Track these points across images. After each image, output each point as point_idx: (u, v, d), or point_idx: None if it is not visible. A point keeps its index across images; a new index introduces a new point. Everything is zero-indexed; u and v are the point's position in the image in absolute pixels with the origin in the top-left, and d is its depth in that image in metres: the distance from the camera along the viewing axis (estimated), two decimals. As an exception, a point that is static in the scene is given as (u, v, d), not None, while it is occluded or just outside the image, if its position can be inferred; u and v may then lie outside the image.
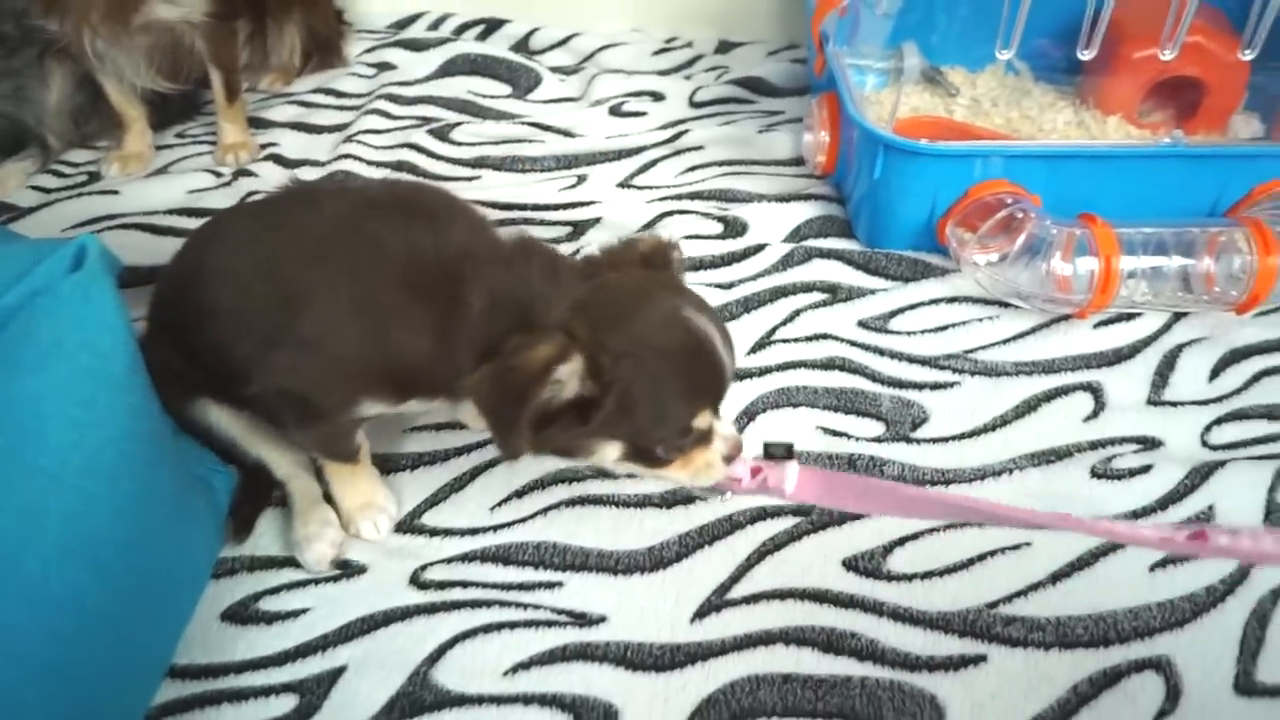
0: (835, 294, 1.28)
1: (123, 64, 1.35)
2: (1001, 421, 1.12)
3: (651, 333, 0.73)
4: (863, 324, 1.24)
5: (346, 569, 0.94)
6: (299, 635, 0.88)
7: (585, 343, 0.71)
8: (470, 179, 1.47)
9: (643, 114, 1.61)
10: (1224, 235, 1.19)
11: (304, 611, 0.90)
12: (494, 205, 1.39)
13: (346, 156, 1.48)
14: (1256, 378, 1.18)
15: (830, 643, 0.89)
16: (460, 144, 1.53)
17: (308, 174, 1.46)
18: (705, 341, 0.74)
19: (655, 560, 0.96)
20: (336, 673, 0.85)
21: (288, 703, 0.83)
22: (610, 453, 0.78)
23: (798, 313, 1.25)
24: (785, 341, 1.21)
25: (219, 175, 1.47)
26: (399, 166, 1.47)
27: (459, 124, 1.56)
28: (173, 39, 1.38)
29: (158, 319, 0.97)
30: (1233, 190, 1.25)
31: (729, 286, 1.28)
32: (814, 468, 0.94)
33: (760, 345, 1.20)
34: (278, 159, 1.50)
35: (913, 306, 1.25)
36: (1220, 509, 1.01)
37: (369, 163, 1.47)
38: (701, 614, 0.91)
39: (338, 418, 0.87)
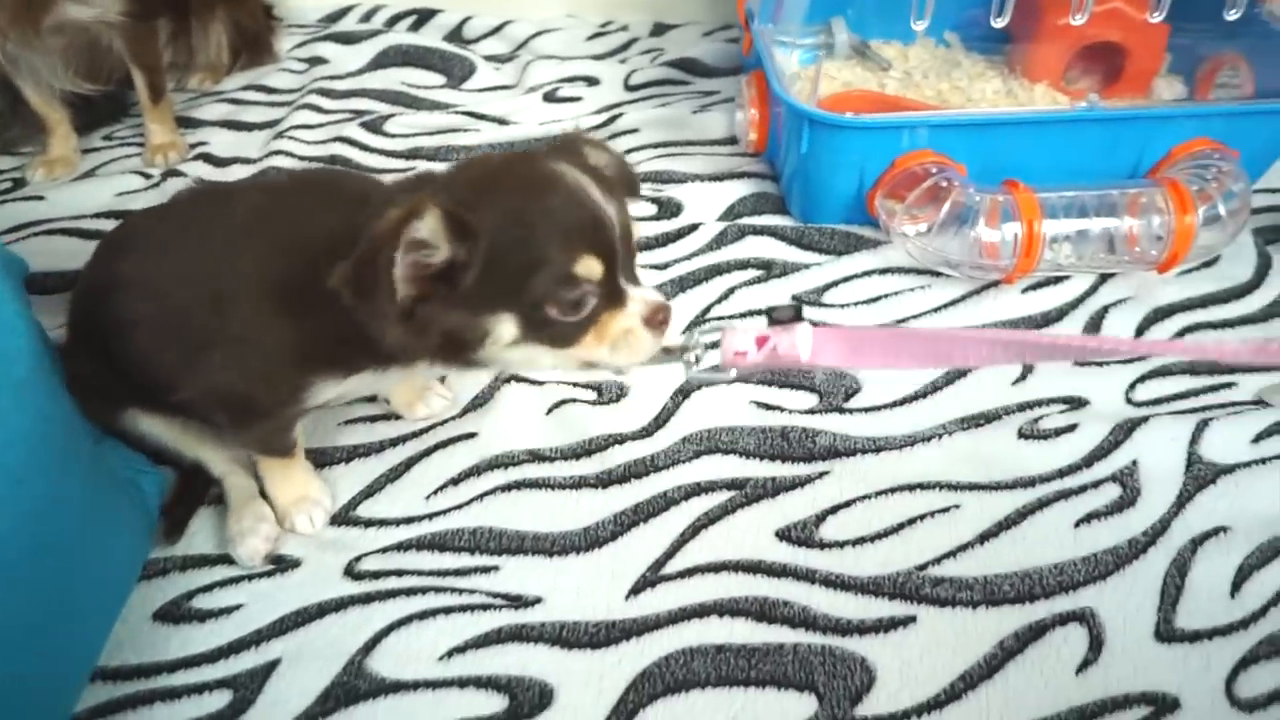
0: (770, 270, 1.29)
1: (38, 66, 1.33)
2: (933, 388, 1.13)
3: (514, 184, 0.71)
4: (797, 298, 1.25)
5: (280, 564, 0.94)
6: (232, 632, 0.87)
7: (443, 201, 0.67)
8: (404, 170, 1.46)
9: (578, 99, 1.61)
10: (1144, 196, 1.21)
11: (237, 608, 0.89)
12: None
13: (278, 153, 1.47)
14: (1179, 334, 1.20)
15: (763, 612, 0.90)
16: (394, 136, 1.52)
17: (239, 172, 1.45)
18: (576, 187, 0.70)
19: (591, 540, 0.97)
20: (270, 666, 0.85)
21: (221, 698, 0.83)
22: (505, 331, 0.72)
23: (732, 290, 1.26)
24: (721, 319, 1.22)
25: (148, 177, 1.45)
26: (332, 160, 1.46)
27: (392, 115, 1.55)
28: (89, 39, 1.35)
29: (76, 331, 0.96)
30: (1152, 152, 1.27)
31: (664, 267, 1.28)
32: (830, 325, 0.84)
33: (696, 324, 1.21)
34: (208, 158, 1.48)
35: (846, 279, 1.26)
36: (1143, 464, 1.03)
37: (301, 158, 1.46)
38: (637, 590, 0.92)
39: (286, 410, 0.86)
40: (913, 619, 0.89)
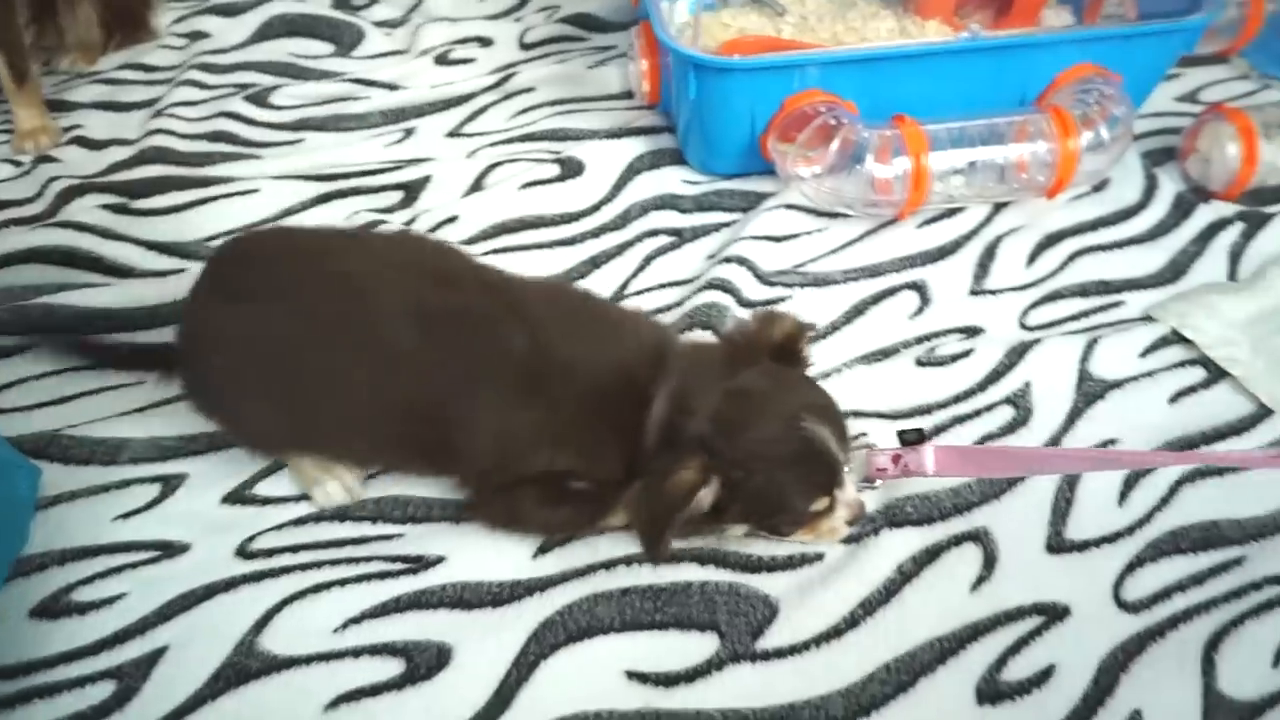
0: (681, 235, 1.27)
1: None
2: (832, 328, 1.14)
3: (771, 445, 0.81)
4: (711, 256, 1.24)
5: (167, 549, 0.91)
6: (115, 622, 0.85)
7: (720, 464, 0.80)
8: (292, 143, 1.41)
9: (471, 60, 1.57)
10: (1030, 124, 1.22)
11: (120, 597, 0.86)
12: (320, 176, 1.34)
13: (158, 132, 1.41)
14: (1071, 259, 1.22)
15: (674, 554, 0.89)
16: (280, 108, 1.47)
17: (116, 153, 1.38)
18: (819, 446, 0.82)
19: (498, 503, 0.95)
20: (157, 654, 0.82)
21: (104, 690, 0.80)
22: (737, 531, 0.88)
23: (649, 259, 1.24)
24: (639, 292, 1.20)
25: (18, 164, 1.38)
26: (215, 137, 1.41)
27: (278, 87, 1.50)
28: (-64, 22, 1.28)
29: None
30: (1037, 79, 1.28)
31: (573, 242, 1.26)
32: (948, 445, 0.98)
33: (615, 299, 1.19)
34: (82, 141, 1.42)
35: (754, 237, 1.24)
36: (1036, 384, 1.04)
37: (182, 135, 1.41)
38: (545, 549, 0.91)
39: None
40: (820, 556, 0.90)
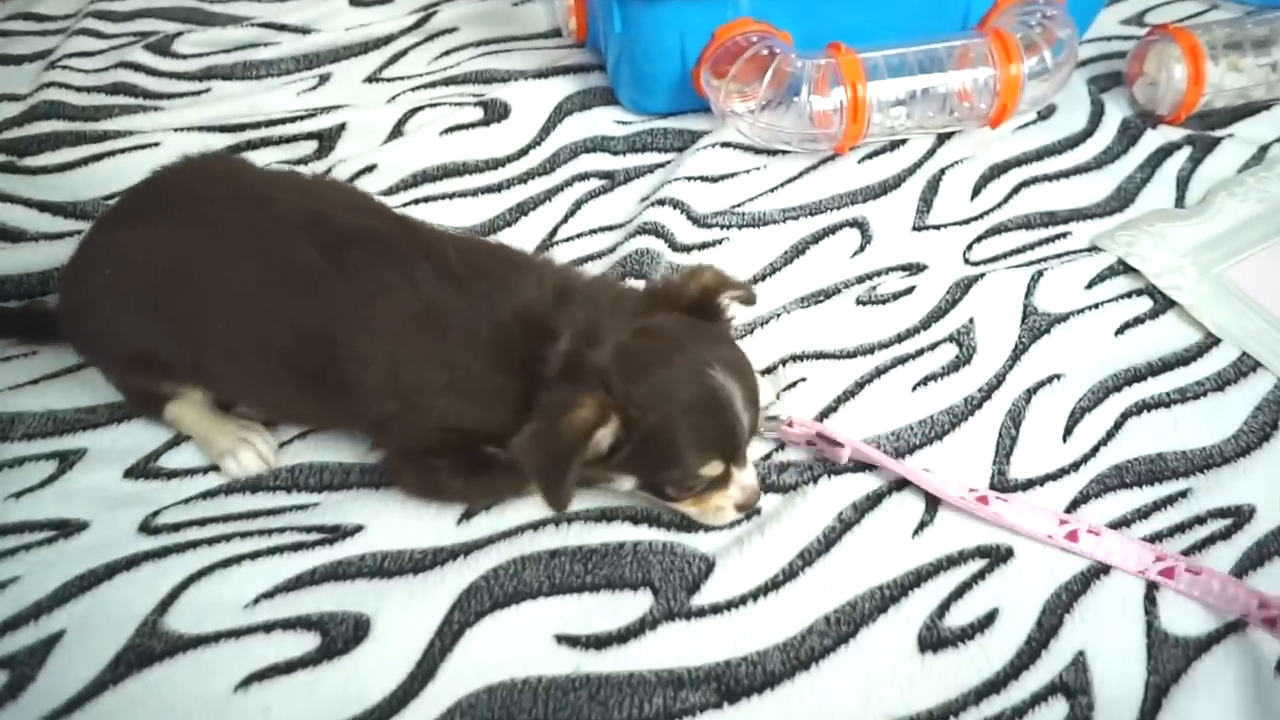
0: (613, 179, 1.21)
1: None
2: (771, 270, 1.09)
3: (675, 388, 0.77)
4: (644, 199, 1.18)
5: (63, 528, 0.85)
6: (7, 608, 0.79)
7: (619, 399, 0.75)
8: (198, 93, 1.33)
9: (388, 0, 1.48)
10: (971, 50, 1.17)
11: (12, 581, 0.81)
12: (227, 127, 1.25)
13: (52, 85, 1.31)
14: (1016, 190, 1.18)
15: (604, 513, 0.85)
16: (184, 56, 1.38)
17: (6, 109, 1.29)
18: (723, 400, 0.77)
19: (424, 467, 0.90)
20: (52, 639, 0.77)
21: (-4, 680, 0.75)
22: (625, 484, 0.82)
23: (579, 204, 1.18)
24: (569, 239, 1.14)
25: (-102, 125, 1.29)
26: (114, 89, 1.32)
27: (181, 34, 1.40)
28: None
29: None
30: (979, 3, 1.23)
31: (500, 189, 1.20)
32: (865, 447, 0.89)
33: (544, 246, 1.13)
34: (-31, 97, 1.32)
35: (689, 178, 1.18)
36: (980, 321, 1.01)
37: (78, 88, 1.31)
38: (470, 514, 0.86)
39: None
40: (757, 511, 0.86)
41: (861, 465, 0.88)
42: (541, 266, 0.87)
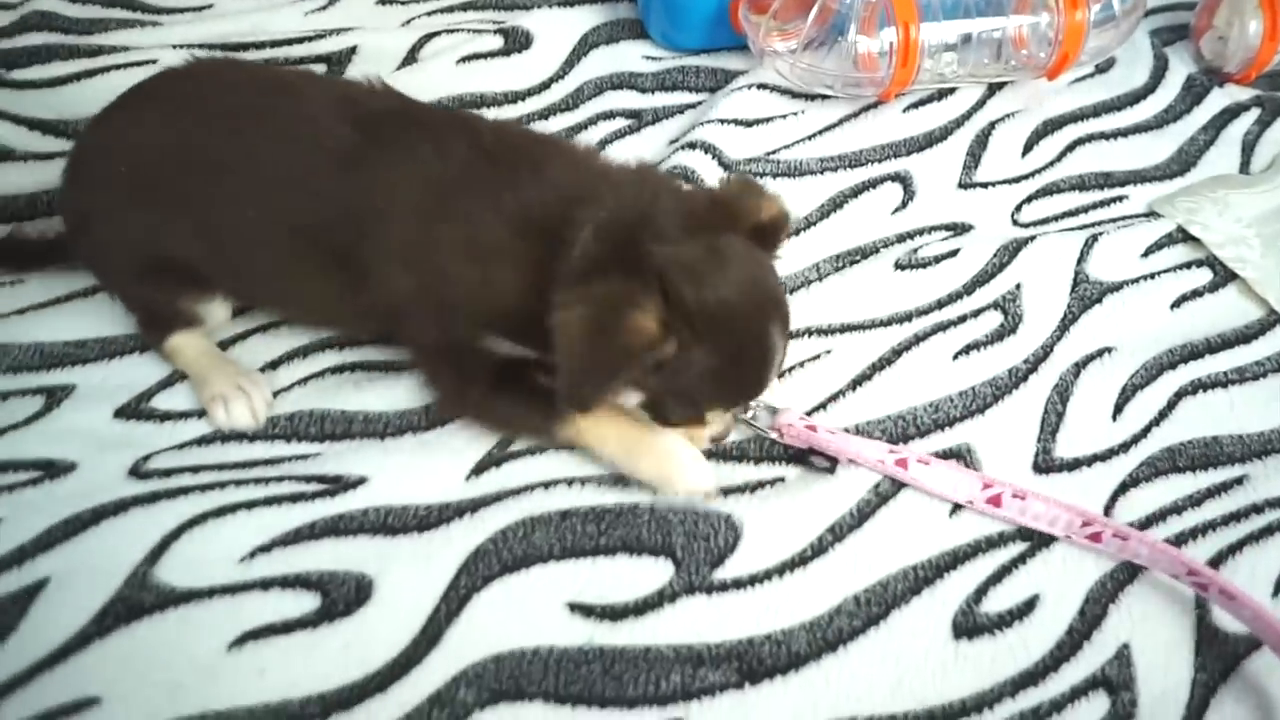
0: (640, 119, 1.14)
1: None
2: (806, 224, 1.03)
3: (736, 329, 0.71)
4: (673, 142, 1.11)
5: (49, 469, 0.80)
6: (-12, 552, 0.75)
7: (678, 313, 0.68)
8: (198, 9, 1.25)
9: (405, -82, 1.39)
10: (1032, -7, 1.09)
11: (-6, 524, 0.76)
12: (229, 45, 1.18)
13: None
14: (1070, 148, 1.11)
15: (619, 476, 0.80)
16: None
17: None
18: (768, 358, 0.73)
19: (434, 417, 0.85)
20: (35, 588, 0.72)
21: (-27, 629, 0.71)
22: (630, 400, 0.77)
23: (604, 144, 1.11)
24: None
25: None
26: (111, 1, 1.23)
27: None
28: None
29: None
30: (1042, -57, 1.14)
31: (519, 125, 1.12)
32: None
33: None
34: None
35: (722, 121, 1.10)
36: (1027, 287, 0.95)
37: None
38: (480, 469, 0.81)
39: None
40: (781, 479, 0.81)
41: (896, 437, 0.83)
42: (580, 151, 0.83)
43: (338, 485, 0.80)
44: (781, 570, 0.75)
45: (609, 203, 0.73)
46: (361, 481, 0.80)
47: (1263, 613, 0.69)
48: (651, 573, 0.75)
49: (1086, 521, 0.75)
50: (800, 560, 0.76)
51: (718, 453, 0.82)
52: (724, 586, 0.74)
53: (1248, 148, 1.11)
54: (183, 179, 0.81)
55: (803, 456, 0.83)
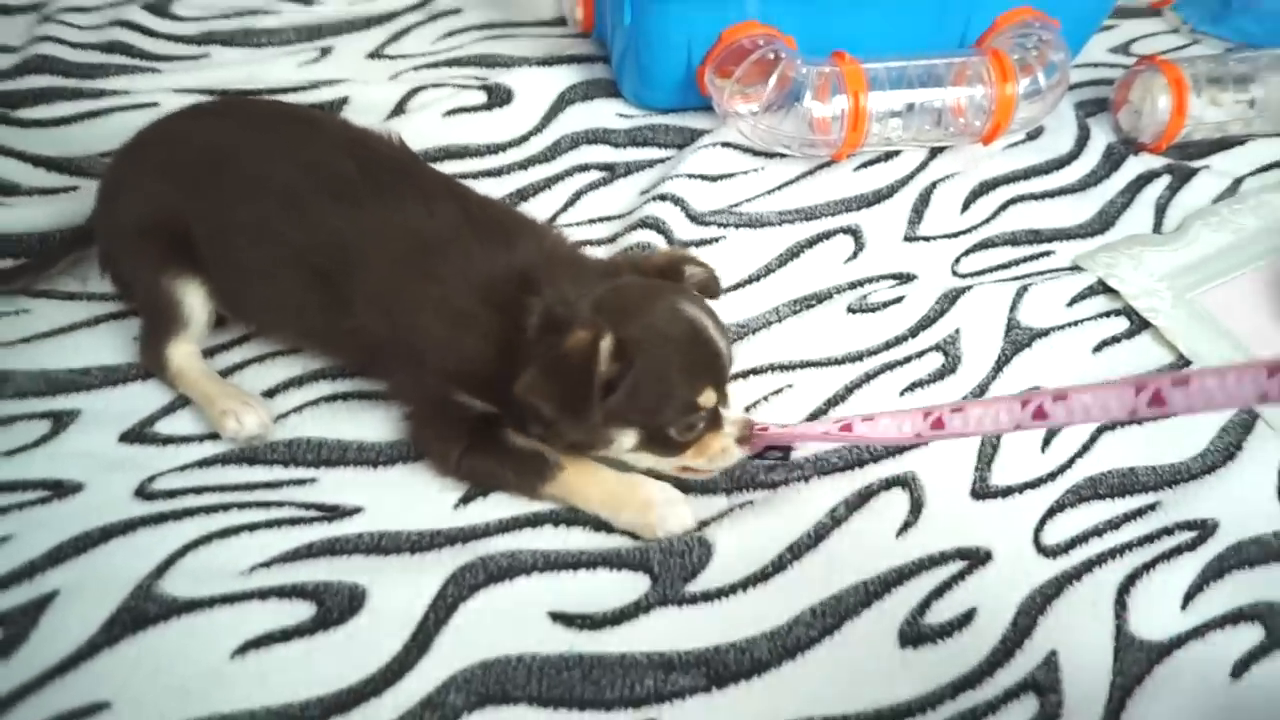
0: (613, 171, 1.23)
1: None
2: (766, 271, 1.12)
3: (657, 321, 0.80)
4: (644, 193, 1.19)
5: (58, 489, 0.85)
6: (0, 565, 0.78)
7: (611, 327, 0.78)
8: (196, 57, 1.31)
9: (393, -23, 1.48)
10: (969, 67, 1.21)
11: (6, 539, 0.80)
12: (227, 91, 1.24)
13: (45, 39, 1.29)
14: (1003, 207, 1.22)
15: (600, 521, 0.86)
16: (183, 19, 1.36)
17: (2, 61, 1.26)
18: (702, 330, 0.81)
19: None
20: (46, 599, 0.77)
21: (-12, 637, 0.74)
22: (626, 441, 0.83)
23: (579, 195, 1.19)
24: (568, 227, 1.14)
25: (-115, 69, 1.25)
26: (110, 47, 1.30)
27: (180, -4, 1.39)
28: None
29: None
30: (978, 21, 1.26)
31: (499, 174, 1.20)
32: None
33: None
34: (-41, 47, 1.29)
35: (688, 175, 1.20)
36: (965, 331, 1.04)
37: (73, 44, 1.29)
38: (467, 499, 0.87)
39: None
40: (750, 503, 0.88)
41: (851, 464, 0.91)
42: (545, 233, 0.92)
43: (335, 513, 0.85)
44: (746, 585, 0.82)
45: (549, 284, 0.82)
46: (357, 510, 0.86)
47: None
48: (629, 585, 0.82)
49: (1025, 401, 0.70)
50: (763, 576, 0.83)
51: (695, 487, 0.89)
52: (693, 599, 0.81)
53: (1160, 210, 1.23)
54: (206, 167, 0.90)
55: (770, 482, 0.90)
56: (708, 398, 0.82)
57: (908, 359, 1.02)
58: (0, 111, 1.18)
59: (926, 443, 0.84)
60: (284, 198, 0.88)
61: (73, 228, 1.02)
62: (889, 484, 0.90)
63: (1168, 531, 0.89)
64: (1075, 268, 1.14)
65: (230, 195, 0.89)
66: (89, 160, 1.13)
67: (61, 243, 1.01)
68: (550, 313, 0.80)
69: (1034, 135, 1.32)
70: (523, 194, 1.18)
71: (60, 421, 0.90)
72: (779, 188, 1.21)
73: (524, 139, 1.25)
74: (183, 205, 0.90)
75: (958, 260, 1.15)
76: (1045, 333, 1.05)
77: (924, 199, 1.21)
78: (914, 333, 1.04)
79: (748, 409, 0.96)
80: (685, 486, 0.87)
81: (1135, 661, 0.80)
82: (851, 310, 1.06)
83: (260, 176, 0.89)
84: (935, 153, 1.27)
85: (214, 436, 0.90)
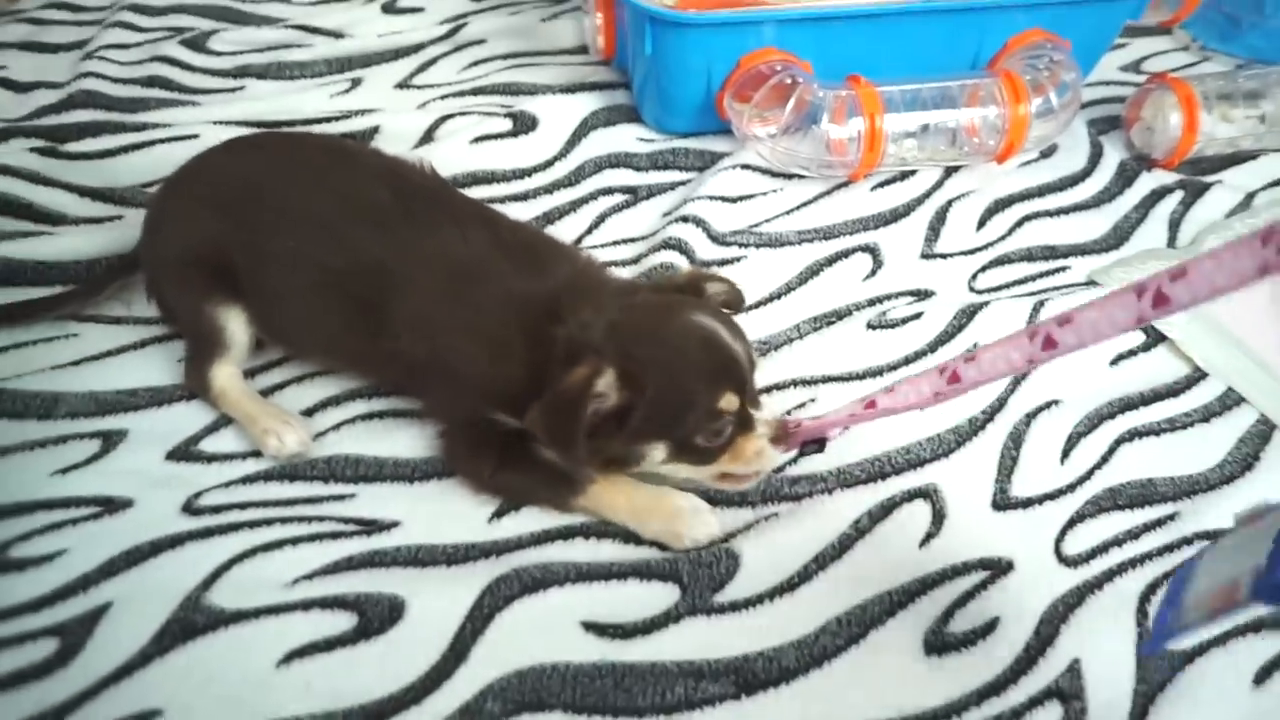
0: (635, 194, 1.26)
1: None
2: (786, 289, 1.14)
3: (669, 337, 0.83)
4: (666, 215, 1.23)
5: (109, 505, 0.88)
6: (56, 578, 0.82)
7: (616, 357, 0.80)
8: (233, 90, 1.36)
9: (419, 10, 1.53)
10: (982, 88, 1.24)
11: (60, 554, 0.84)
12: (263, 123, 1.29)
13: (89, 75, 1.34)
14: (1019, 224, 1.25)
15: (630, 534, 0.88)
16: (219, 54, 1.41)
17: (43, 97, 1.32)
18: (715, 335, 0.83)
19: (455, 465, 0.93)
20: (100, 610, 0.80)
21: (47, 646, 0.77)
22: (657, 454, 0.85)
23: (603, 218, 1.23)
24: (593, 249, 1.18)
25: (-63, 105, 1.31)
26: (150, 82, 1.35)
27: (216, 32, 1.44)
28: None
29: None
30: (990, 44, 1.29)
31: (525, 198, 1.24)
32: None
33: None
34: (6, 83, 1.35)
35: (709, 197, 1.23)
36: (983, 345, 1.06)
37: (114, 80, 1.34)
38: (501, 513, 0.90)
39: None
40: (775, 515, 0.90)
41: (873, 476, 0.93)
42: (575, 257, 0.95)
43: (374, 527, 0.88)
44: (773, 595, 0.84)
45: (571, 312, 0.84)
46: (395, 524, 0.89)
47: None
48: (659, 595, 0.84)
49: (1033, 333, 0.70)
50: (789, 586, 0.85)
51: (722, 500, 0.91)
52: (721, 609, 0.83)
53: (1174, 225, 1.25)
54: (248, 200, 0.94)
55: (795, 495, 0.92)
56: (729, 402, 0.82)
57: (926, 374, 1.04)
58: (48, 145, 1.23)
59: (948, 398, 0.80)
60: (322, 227, 0.92)
61: (118, 255, 1.07)
62: (911, 496, 0.92)
63: (1187, 541, 0.90)
64: (1090, 282, 1.16)
65: (270, 226, 0.93)
66: (132, 191, 1.17)
67: (108, 270, 1.05)
68: (571, 341, 0.83)
69: (1048, 153, 1.34)
70: (549, 217, 1.22)
71: (109, 440, 0.94)
72: (798, 208, 1.24)
73: (549, 164, 1.29)
74: (224, 236, 0.94)
75: (974, 276, 1.18)
76: (1062, 347, 1.07)
77: (940, 217, 1.24)
78: (933, 348, 1.07)
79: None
80: (712, 499, 0.90)
81: (1158, 669, 0.81)
82: (871, 326, 1.08)
83: (299, 207, 0.93)
84: (950, 172, 1.30)
85: (256, 454, 0.94)
